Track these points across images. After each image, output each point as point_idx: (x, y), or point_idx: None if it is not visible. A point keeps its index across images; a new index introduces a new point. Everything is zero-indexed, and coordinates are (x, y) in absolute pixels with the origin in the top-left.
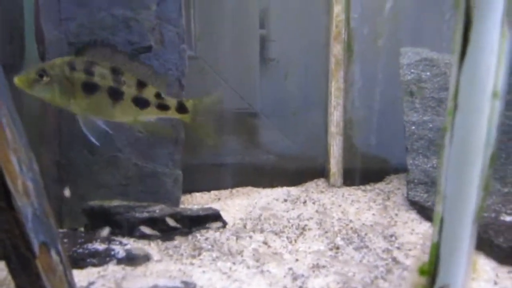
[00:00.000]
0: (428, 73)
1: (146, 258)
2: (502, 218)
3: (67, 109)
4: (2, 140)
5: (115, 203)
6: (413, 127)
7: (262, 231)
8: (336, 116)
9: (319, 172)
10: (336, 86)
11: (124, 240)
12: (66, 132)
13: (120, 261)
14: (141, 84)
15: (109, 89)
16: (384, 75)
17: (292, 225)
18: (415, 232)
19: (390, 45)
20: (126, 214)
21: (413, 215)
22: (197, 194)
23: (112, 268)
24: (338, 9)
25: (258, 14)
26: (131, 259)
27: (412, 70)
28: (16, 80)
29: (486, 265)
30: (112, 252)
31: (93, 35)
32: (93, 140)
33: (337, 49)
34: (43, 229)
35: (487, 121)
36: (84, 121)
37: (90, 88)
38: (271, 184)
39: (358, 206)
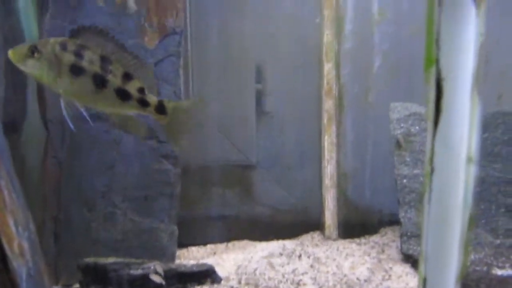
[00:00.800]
0: (417, 127)
1: None
2: (494, 271)
3: (52, 89)
4: (0, 203)
5: (111, 260)
6: (405, 181)
7: (257, 286)
8: (329, 169)
9: (315, 224)
10: (329, 141)
11: None
12: (65, 189)
13: None
14: (126, 76)
15: (94, 75)
16: (375, 129)
17: (287, 280)
18: (409, 286)
19: (380, 100)
20: (121, 271)
21: (407, 268)
22: (193, 248)
23: None
24: (328, 66)
25: (254, 70)
26: None
27: (402, 125)
28: (10, 53)
29: None
30: None
31: None
32: (71, 125)
33: (329, 105)
34: None
35: (463, 184)
36: (66, 104)
37: (76, 70)
38: (267, 237)
39: (353, 260)
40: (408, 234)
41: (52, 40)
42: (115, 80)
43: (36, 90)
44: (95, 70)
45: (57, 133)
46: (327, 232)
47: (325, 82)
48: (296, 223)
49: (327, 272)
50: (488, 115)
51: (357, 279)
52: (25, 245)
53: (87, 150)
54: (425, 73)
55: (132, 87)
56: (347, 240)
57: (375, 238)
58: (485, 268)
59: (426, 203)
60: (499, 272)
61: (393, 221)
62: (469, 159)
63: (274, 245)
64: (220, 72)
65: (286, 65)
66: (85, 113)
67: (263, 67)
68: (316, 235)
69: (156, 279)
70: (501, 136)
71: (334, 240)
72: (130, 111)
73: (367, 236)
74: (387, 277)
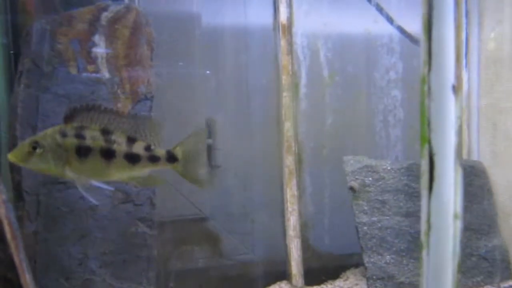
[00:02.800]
0: (370, 179)
1: None
2: None
3: (63, 177)
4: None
5: None
6: (365, 228)
7: None
8: (292, 220)
9: (281, 274)
10: (290, 194)
11: None
12: (41, 259)
13: None
14: (130, 140)
15: (101, 150)
16: (331, 180)
17: None
18: None
19: (334, 154)
20: None
21: None
22: None
23: None
24: (287, 125)
25: (205, 125)
26: None
27: (357, 177)
28: (10, 156)
29: None
30: None
31: None
32: (93, 201)
33: (289, 160)
34: None
35: (452, 237)
36: (81, 185)
37: (83, 151)
38: None
39: None
40: (374, 277)
41: (50, 130)
42: (121, 147)
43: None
44: (100, 145)
45: (32, 203)
46: (293, 280)
47: (284, 139)
48: (264, 274)
49: None
50: None
51: None
52: None
53: (63, 218)
54: (421, 149)
55: (139, 148)
56: (314, 287)
57: (338, 282)
58: None
59: (424, 256)
60: None
61: (353, 265)
62: (455, 216)
63: None
64: (174, 128)
65: (245, 123)
66: (103, 186)
67: (214, 123)
68: (283, 284)
69: None
70: None
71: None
72: (144, 171)
73: (331, 281)
74: None
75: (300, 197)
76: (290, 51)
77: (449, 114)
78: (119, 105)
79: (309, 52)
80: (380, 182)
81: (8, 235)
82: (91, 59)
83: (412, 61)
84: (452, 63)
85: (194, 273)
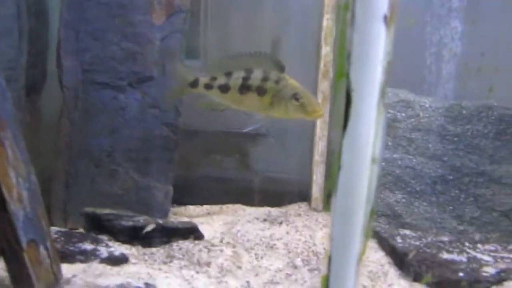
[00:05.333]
0: (403, 114)
1: (125, 260)
2: (440, 255)
3: None
4: (2, 158)
5: (106, 211)
6: (383, 163)
7: (234, 246)
8: (320, 146)
9: (303, 196)
10: (322, 119)
11: (110, 243)
12: (76, 146)
13: (102, 261)
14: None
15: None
16: None
17: (262, 243)
18: (369, 260)
19: None
20: (114, 221)
21: (372, 243)
22: (191, 207)
23: (95, 266)
24: (326, 50)
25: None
26: (112, 260)
27: (390, 110)
28: None
29: None
30: (97, 252)
31: (104, 64)
32: None
33: (324, 86)
34: (33, 229)
35: (367, 182)
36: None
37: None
38: (258, 203)
39: (326, 231)
40: (379, 213)
41: None
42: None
43: (56, 57)
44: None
45: (71, 98)
46: (313, 204)
47: (322, 64)
48: (287, 193)
49: (299, 240)
50: (473, 108)
51: (324, 248)
52: (24, 193)
53: (96, 114)
54: (336, 83)
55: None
56: (328, 213)
57: None
58: (434, 251)
59: (333, 196)
60: (445, 255)
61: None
62: (373, 160)
63: (261, 211)
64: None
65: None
66: None
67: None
68: (303, 205)
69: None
70: (482, 129)
71: (319, 211)
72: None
73: None
74: None
75: (331, 123)
76: None
77: (375, 47)
78: (154, 15)
79: None
80: (412, 119)
81: None
82: None
83: None
84: None
85: (218, 182)
